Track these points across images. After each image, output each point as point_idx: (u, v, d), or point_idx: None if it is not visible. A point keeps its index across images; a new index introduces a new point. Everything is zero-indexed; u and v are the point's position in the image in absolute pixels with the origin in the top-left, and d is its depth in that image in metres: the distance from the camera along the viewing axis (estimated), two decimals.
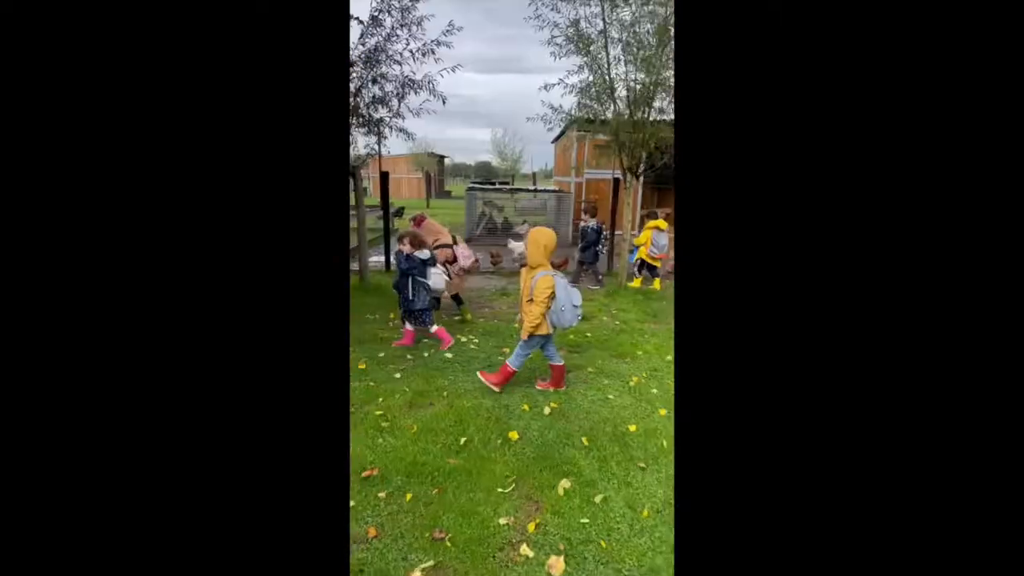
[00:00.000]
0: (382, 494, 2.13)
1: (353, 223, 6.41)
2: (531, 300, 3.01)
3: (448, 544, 1.85)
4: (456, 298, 4.83)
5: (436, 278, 4.00)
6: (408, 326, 4.08)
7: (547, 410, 2.92)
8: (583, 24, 5.60)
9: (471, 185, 13.17)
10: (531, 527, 1.95)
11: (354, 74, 5.64)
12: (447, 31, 5.78)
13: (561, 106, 6.16)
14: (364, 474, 2.26)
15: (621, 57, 5.66)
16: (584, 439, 2.61)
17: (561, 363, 3.23)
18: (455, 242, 4.75)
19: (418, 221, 5.00)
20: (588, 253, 6.43)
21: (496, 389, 3.12)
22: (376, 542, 1.86)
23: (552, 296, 2.97)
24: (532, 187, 14.69)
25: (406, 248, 3.86)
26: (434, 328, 4.00)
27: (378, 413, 2.84)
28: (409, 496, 2.12)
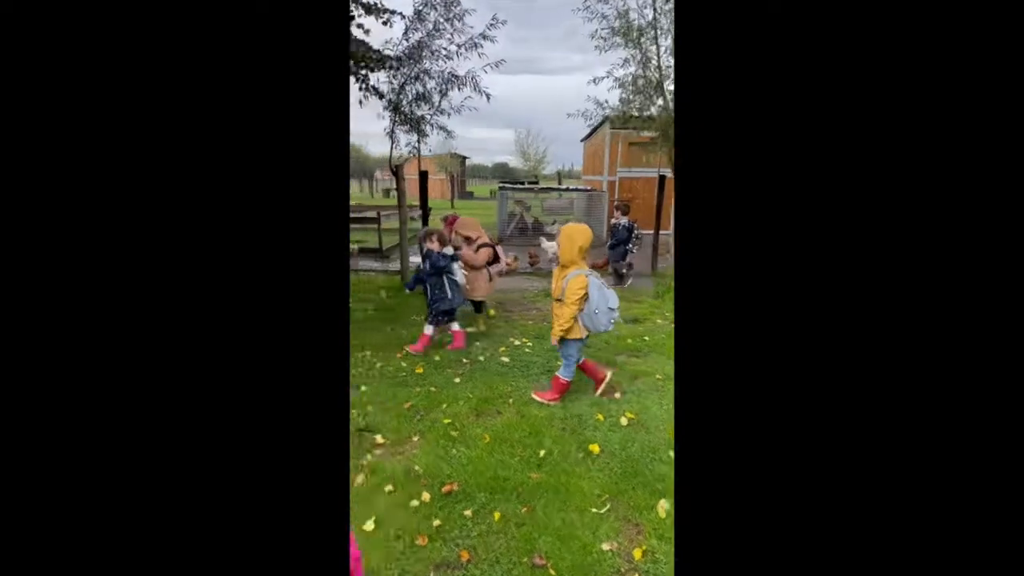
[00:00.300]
0: (468, 512, 1.97)
1: (395, 223, 6.30)
2: (560, 300, 2.80)
3: (551, 572, 1.68)
4: (477, 305, 4.56)
5: (459, 274, 3.86)
6: (455, 327, 3.93)
7: (624, 420, 2.73)
8: (633, 15, 5.41)
9: (502, 185, 13.00)
10: (637, 554, 1.77)
11: (397, 70, 5.54)
12: (491, 25, 5.65)
13: (607, 101, 5.97)
14: (444, 489, 2.11)
15: (672, 49, 5.44)
16: (671, 453, 2.41)
17: (571, 378, 2.95)
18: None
19: (450, 221, 4.85)
20: (617, 251, 6.22)
21: (555, 404, 2.92)
22: (472, 568, 1.70)
23: (585, 297, 2.74)
24: (564, 186, 14.44)
25: (435, 246, 3.72)
26: (430, 330, 3.83)
27: (446, 421, 2.69)
28: (497, 515, 1.95)
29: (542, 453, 2.39)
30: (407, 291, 4.24)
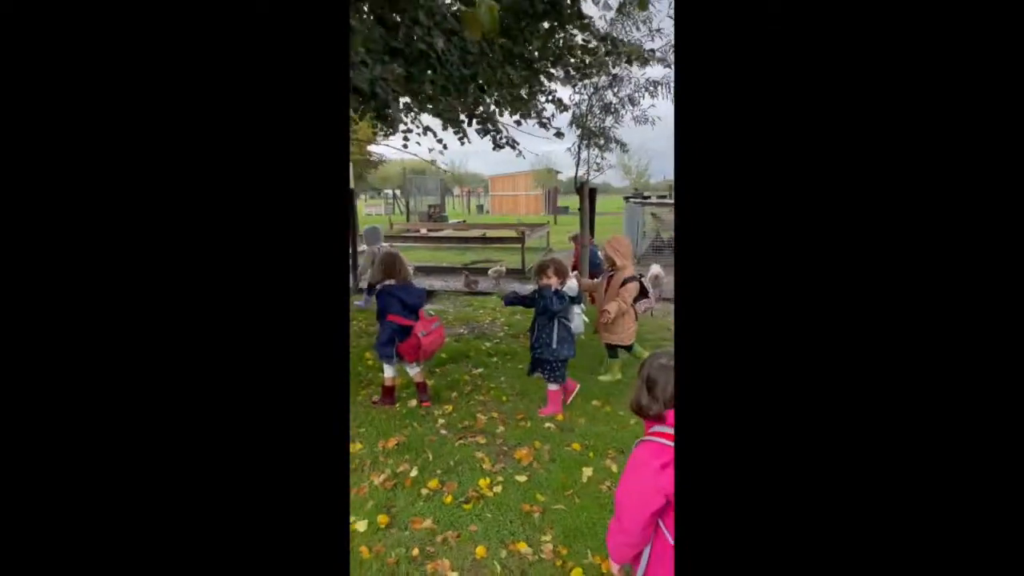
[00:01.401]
0: None
1: (534, 242, 5.83)
2: None
3: None
4: (613, 349, 3.75)
5: (577, 320, 3.15)
6: (552, 386, 3.15)
7: None
8: None
9: (630, 199, 12.34)
10: None
11: (588, 81, 5.11)
12: None
13: None
14: None
15: None
16: None
17: None
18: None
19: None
20: None
21: None
22: None
23: None
24: None
25: (552, 281, 2.94)
26: (555, 387, 3.10)
27: None
28: None
29: None
30: (504, 305, 3.50)
